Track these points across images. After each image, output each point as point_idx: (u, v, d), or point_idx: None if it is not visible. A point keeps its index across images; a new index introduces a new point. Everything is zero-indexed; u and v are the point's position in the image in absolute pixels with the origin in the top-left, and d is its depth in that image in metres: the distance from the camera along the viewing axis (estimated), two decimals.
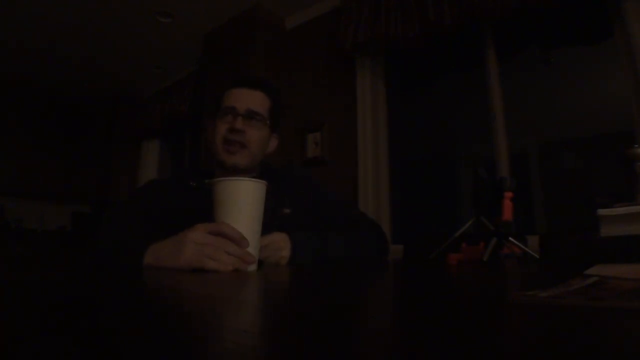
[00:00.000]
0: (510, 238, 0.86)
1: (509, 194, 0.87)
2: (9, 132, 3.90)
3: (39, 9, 2.78)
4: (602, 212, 0.68)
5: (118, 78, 3.89)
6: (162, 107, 3.76)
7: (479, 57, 2.17)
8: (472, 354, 0.14)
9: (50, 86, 4.03)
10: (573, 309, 0.23)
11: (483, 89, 2.14)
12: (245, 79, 1.00)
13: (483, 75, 2.15)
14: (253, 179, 0.62)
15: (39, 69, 3.69)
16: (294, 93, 2.71)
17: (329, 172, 2.47)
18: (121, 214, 0.95)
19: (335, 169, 2.46)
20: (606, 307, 0.23)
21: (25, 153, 3.96)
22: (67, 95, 4.21)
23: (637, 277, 0.35)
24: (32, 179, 3.97)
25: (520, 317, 0.22)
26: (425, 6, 2.11)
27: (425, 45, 2.20)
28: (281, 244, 0.78)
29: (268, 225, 0.65)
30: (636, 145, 0.78)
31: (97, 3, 2.72)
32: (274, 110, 1.01)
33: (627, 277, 0.37)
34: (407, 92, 2.74)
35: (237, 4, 2.72)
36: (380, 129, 2.41)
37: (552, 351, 0.14)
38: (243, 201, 0.60)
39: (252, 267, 0.60)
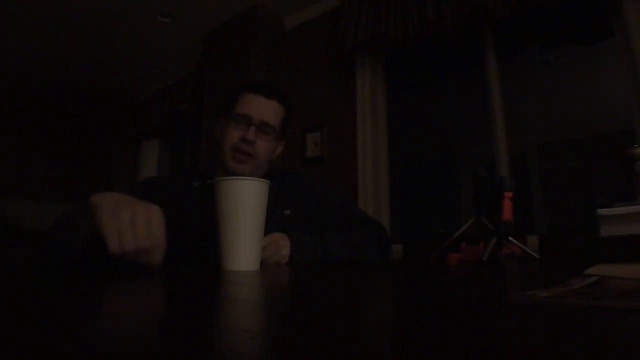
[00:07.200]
0: (510, 238, 0.86)
1: (509, 194, 0.87)
2: (9, 133, 3.90)
3: (38, 10, 2.78)
4: (602, 212, 0.68)
5: (118, 78, 3.89)
6: (162, 107, 3.76)
7: (479, 57, 2.17)
8: (472, 354, 0.14)
9: (50, 86, 4.03)
10: (573, 309, 0.23)
11: (483, 89, 2.14)
12: (262, 86, 0.99)
13: (483, 75, 2.15)
14: (257, 179, 0.62)
15: (38, 69, 3.68)
16: (294, 93, 2.71)
17: (328, 172, 2.47)
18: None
19: (335, 169, 2.46)
20: (606, 307, 0.23)
21: (25, 153, 3.96)
22: (67, 95, 4.21)
23: (637, 277, 0.35)
24: (32, 179, 3.96)
25: (520, 317, 0.22)
26: (425, 6, 2.11)
27: (425, 45, 2.20)
28: (281, 244, 0.78)
29: (268, 226, 0.65)
30: (636, 145, 0.78)
31: (98, 3, 2.72)
32: (286, 120, 1.01)
33: (627, 277, 0.37)
34: (407, 92, 2.74)
35: (237, 4, 2.72)
36: (380, 129, 2.41)
37: (552, 351, 0.14)
38: (246, 201, 0.60)
39: (255, 267, 0.60)
